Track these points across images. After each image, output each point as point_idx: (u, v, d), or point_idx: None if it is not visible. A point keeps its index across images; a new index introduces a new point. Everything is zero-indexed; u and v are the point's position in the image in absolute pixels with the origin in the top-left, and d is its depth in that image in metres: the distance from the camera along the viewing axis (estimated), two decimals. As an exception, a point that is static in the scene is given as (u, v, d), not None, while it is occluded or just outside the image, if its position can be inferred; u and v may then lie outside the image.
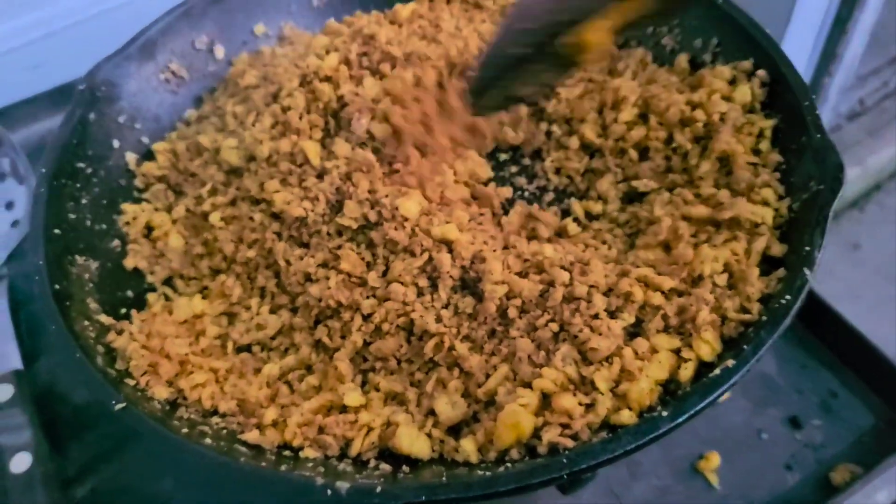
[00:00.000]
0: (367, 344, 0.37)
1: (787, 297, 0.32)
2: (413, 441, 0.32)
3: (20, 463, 0.45)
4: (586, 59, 0.35)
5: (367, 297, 0.37)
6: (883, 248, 1.34)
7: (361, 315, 0.36)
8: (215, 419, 0.36)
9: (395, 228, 0.37)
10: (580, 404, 0.32)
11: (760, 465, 0.46)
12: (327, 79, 0.44)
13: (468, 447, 0.32)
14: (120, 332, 0.38)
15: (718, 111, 0.41)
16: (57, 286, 0.37)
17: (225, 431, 0.34)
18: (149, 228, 0.45)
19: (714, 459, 0.46)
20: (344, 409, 0.35)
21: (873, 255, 1.33)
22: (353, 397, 0.35)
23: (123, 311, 0.41)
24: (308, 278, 0.39)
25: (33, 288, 0.55)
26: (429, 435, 0.33)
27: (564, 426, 0.31)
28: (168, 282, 0.44)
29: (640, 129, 0.43)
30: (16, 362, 0.49)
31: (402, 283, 0.36)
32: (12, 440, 0.45)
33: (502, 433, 0.31)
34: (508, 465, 0.31)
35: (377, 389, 0.36)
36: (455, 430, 0.34)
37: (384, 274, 0.37)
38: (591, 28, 0.34)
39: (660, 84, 0.45)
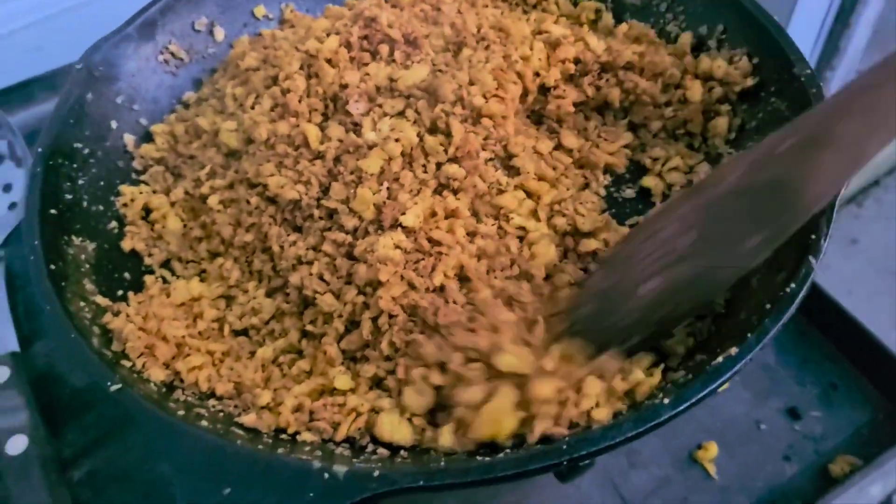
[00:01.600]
0: (347, 331, 0.36)
1: (792, 285, 0.32)
2: (395, 428, 0.32)
3: (16, 445, 0.44)
4: None
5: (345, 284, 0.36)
6: (880, 243, 1.34)
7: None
8: (212, 402, 0.35)
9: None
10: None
11: (759, 456, 0.46)
12: (327, 62, 0.43)
13: (446, 437, 0.31)
14: (117, 314, 0.37)
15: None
16: (52, 266, 0.36)
17: (221, 414, 0.34)
18: (147, 210, 0.44)
19: (712, 449, 0.46)
20: (333, 392, 0.35)
21: (870, 250, 1.34)
22: (342, 380, 0.35)
23: (120, 293, 0.40)
24: (300, 262, 0.38)
25: (28, 269, 0.55)
26: (410, 421, 0.33)
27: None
28: (166, 264, 0.43)
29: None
30: (12, 344, 0.49)
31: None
32: (8, 422, 0.45)
33: (479, 427, 0.31)
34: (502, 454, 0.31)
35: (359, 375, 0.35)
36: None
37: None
38: None
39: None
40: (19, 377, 0.48)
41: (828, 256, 0.33)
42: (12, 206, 0.60)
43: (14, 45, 0.72)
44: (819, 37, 1.04)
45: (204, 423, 0.31)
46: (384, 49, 0.44)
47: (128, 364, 0.35)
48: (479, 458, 0.30)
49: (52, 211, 0.39)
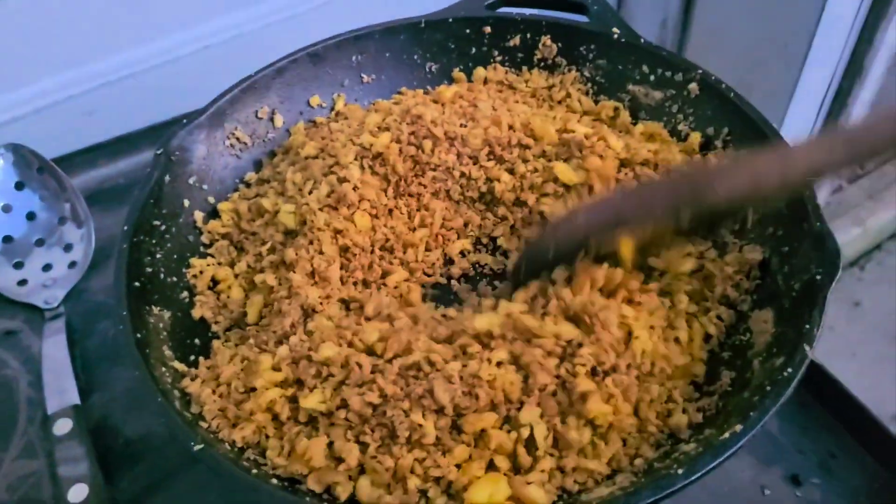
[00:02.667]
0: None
1: (789, 370, 0.36)
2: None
3: (78, 493, 0.48)
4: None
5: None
6: (882, 306, 1.37)
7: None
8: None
9: None
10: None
11: (764, 521, 0.49)
12: (378, 155, 0.49)
13: None
14: (193, 379, 0.42)
15: None
16: (139, 335, 0.41)
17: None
18: (214, 281, 0.50)
19: (720, 513, 0.49)
20: None
21: (873, 313, 1.37)
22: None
23: (192, 357, 0.45)
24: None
25: (90, 327, 0.60)
26: None
27: None
28: (230, 328, 0.48)
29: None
30: (74, 397, 0.53)
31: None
32: (70, 471, 0.49)
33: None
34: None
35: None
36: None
37: None
38: (621, 243, 0.42)
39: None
40: (80, 428, 0.51)
41: (831, 319, 0.37)
42: (72, 264, 0.65)
43: (72, 109, 0.79)
44: (819, 115, 1.10)
45: (274, 481, 0.36)
46: (428, 144, 0.50)
47: (205, 425, 0.40)
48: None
49: (136, 283, 0.44)
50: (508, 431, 0.38)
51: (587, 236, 0.43)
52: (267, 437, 0.39)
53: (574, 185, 0.49)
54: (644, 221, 0.42)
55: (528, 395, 0.38)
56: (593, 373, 0.39)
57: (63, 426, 0.52)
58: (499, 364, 0.39)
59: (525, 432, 0.38)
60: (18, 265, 0.64)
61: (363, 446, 0.38)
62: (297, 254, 0.46)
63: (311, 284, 0.46)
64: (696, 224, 0.42)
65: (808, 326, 0.38)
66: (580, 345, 0.39)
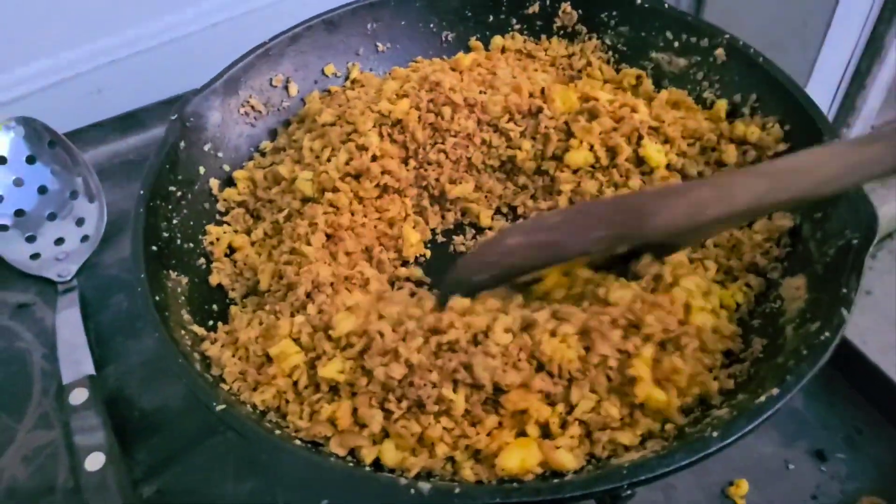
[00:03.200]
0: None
1: (827, 333, 0.35)
2: None
3: (94, 462, 0.47)
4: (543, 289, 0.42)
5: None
6: (894, 295, 1.37)
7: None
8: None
9: None
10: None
11: (788, 494, 0.49)
12: (398, 122, 0.48)
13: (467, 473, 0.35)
14: (213, 342, 0.41)
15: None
16: (157, 298, 0.40)
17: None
18: (231, 248, 0.49)
19: (744, 486, 0.48)
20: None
21: (884, 302, 1.36)
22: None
23: (210, 322, 0.44)
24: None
25: (103, 300, 0.59)
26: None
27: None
28: (247, 296, 0.47)
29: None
30: (89, 368, 0.53)
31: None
32: (87, 440, 0.48)
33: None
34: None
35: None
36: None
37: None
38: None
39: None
40: (96, 398, 0.51)
41: None
42: (84, 238, 0.64)
43: (80, 86, 0.78)
44: (836, 96, 1.09)
45: (297, 441, 0.35)
46: (447, 111, 0.49)
47: (225, 387, 0.39)
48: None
49: (153, 247, 0.44)
50: (550, 404, 0.37)
51: (513, 265, 0.40)
52: (287, 401, 0.39)
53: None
54: (576, 252, 0.39)
55: (584, 373, 0.37)
56: (662, 347, 0.38)
57: (78, 396, 0.51)
58: (557, 337, 0.37)
59: (565, 408, 0.37)
60: (31, 239, 0.63)
61: (388, 413, 0.37)
62: (312, 223, 0.45)
63: (325, 254, 0.45)
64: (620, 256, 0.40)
65: (844, 290, 0.37)
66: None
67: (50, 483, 0.50)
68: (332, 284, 0.42)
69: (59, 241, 0.64)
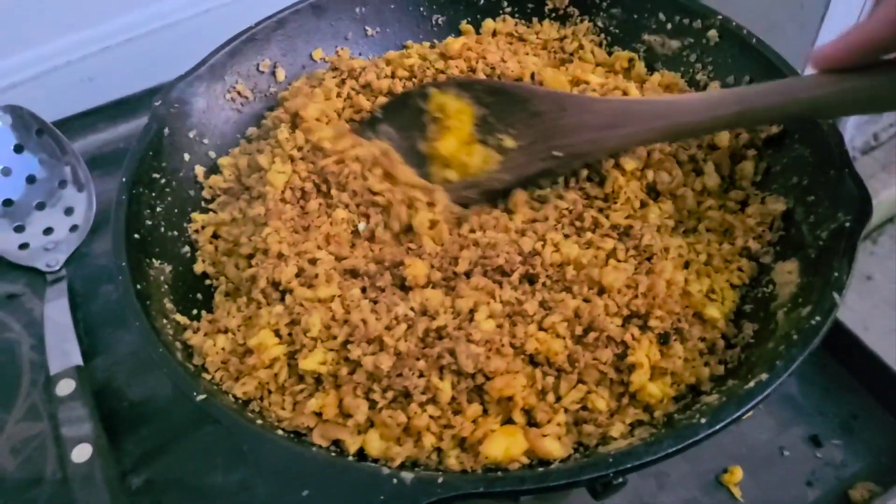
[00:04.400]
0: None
1: (818, 318, 0.35)
2: None
3: (81, 453, 0.47)
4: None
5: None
6: (895, 279, 1.36)
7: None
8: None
9: None
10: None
11: (782, 481, 0.48)
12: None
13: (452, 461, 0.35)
14: (196, 331, 0.41)
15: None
16: (138, 286, 0.40)
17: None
18: (215, 236, 0.48)
19: (738, 473, 0.48)
20: None
21: (885, 286, 1.35)
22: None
23: (194, 311, 0.44)
24: None
25: (92, 291, 0.59)
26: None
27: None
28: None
29: None
30: (76, 359, 0.53)
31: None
32: (74, 432, 0.48)
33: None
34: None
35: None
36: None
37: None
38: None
39: None
40: (83, 389, 0.51)
41: None
42: (73, 228, 0.64)
43: (72, 74, 0.77)
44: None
45: (279, 431, 0.34)
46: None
47: (207, 377, 0.38)
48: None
49: (136, 235, 0.43)
50: (538, 394, 0.36)
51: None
52: (270, 391, 0.38)
53: None
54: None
55: (573, 365, 0.36)
56: (663, 341, 0.37)
57: (65, 387, 0.51)
58: (544, 329, 0.37)
59: (554, 397, 0.37)
60: (19, 229, 0.63)
61: (373, 402, 0.36)
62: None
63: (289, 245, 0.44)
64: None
65: (836, 274, 0.36)
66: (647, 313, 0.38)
67: (38, 474, 0.49)
68: (297, 276, 0.41)
69: (48, 231, 0.63)
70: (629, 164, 0.45)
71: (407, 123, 0.48)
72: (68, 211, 0.65)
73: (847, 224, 0.38)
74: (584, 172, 0.46)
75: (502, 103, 0.45)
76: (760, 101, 0.40)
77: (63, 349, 0.54)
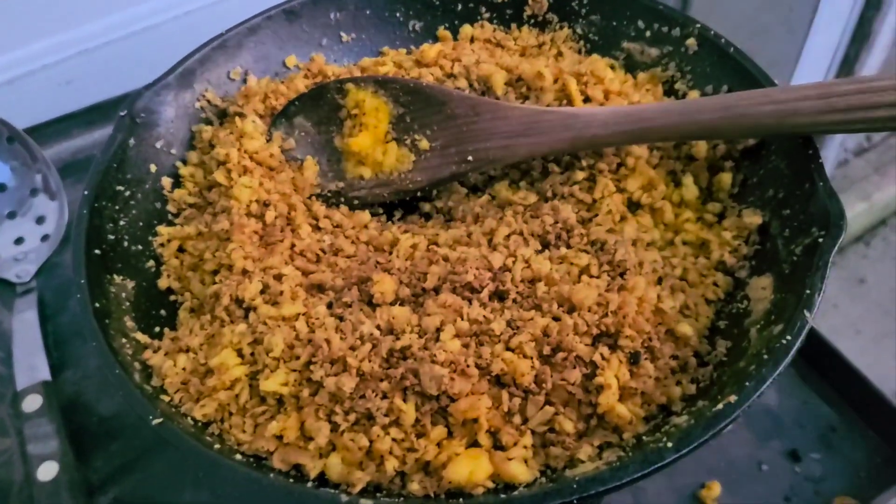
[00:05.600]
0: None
1: (788, 337, 0.34)
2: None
3: (47, 472, 0.46)
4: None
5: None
6: (887, 282, 1.35)
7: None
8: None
9: None
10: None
11: (761, 496, 0.47)
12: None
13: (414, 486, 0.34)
14: (156, 350, 0.40)
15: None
16: (97, 304, 0.39)
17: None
18: (181, 250, 0.47)
19: (715, 489, 0.47)
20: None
21: (877, 289, 1.35)
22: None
23: (157, 329, 0.43)
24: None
25: (62, 302, 0.58)
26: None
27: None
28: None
29: None
30: (44, 373, 0.51)
31: None
32: (40, 449, 0.47)
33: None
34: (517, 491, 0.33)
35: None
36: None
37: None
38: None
39: None
40: (50, 405, 0.50)
41: (835, 296, 0.35)
42: (45, 238, 0.63)
43: (48, 79, 0.76)
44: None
45: (238, 456, 0.33)
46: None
47: (166, 399, 0.37)
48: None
49: (96, 251, 0.42)
50: (504, 416, 0.36)
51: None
52: (230, 413, 0.37)
53: None
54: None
55: (540, 386, 0.35)
56: (633, 360, 0.37)
57: (32, 402, 0.50)
58: (511, 349, 0.36)
59: (521, 419, 0.36)
60: (-11, 238, 0.61)
61: (335, 425, 0.35)
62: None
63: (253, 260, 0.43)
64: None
65: (808, 292, 0.35)
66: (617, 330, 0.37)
67: (5, 491, 0.48)
68: (261, 293, 0.40)
69: (19, 241, 0.62)
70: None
71: (324, 118, 0.48)
72: (40, 220, 0.64)
73: (820, 240, 0.37)
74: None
75: (419, 103, 0.46)
76: (660, 120, 0.42)
77: (31, 363, 0.53)
